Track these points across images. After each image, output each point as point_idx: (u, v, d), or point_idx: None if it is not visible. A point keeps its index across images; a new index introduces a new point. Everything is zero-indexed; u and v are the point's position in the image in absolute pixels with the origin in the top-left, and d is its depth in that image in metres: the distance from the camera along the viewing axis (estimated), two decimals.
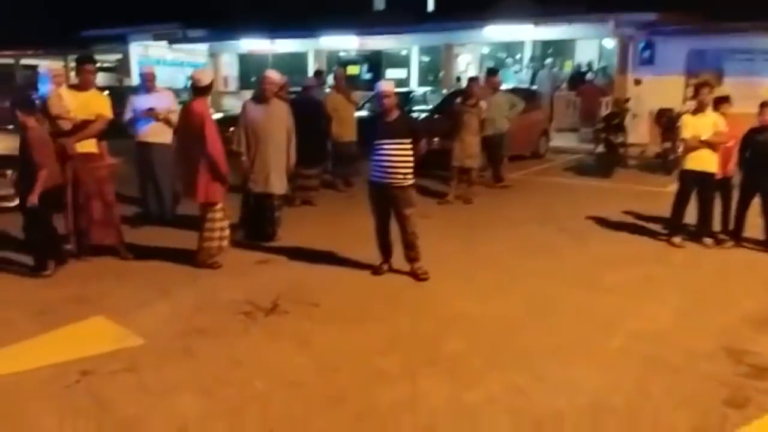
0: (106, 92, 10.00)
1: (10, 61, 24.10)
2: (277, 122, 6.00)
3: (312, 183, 8.18)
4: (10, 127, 7.94)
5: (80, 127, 5.49)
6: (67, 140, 5.41)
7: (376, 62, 19.07)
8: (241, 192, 6.13)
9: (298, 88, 8.93)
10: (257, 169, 5.98)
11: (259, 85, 6.21)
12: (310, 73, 15.16)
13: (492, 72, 9.98)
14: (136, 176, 6.89)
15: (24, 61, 23.96)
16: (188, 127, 5.32)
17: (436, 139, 8.71)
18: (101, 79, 25.58)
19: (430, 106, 12.85)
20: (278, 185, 6.10)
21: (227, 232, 5.52)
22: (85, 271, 5.34)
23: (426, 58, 19.09)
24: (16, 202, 7.56)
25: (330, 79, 12.20)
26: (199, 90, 5.35)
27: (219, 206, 5.38)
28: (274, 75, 6.07)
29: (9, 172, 7.57)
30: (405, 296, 4.84)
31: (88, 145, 5.56)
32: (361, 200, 5.61)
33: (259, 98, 6.06)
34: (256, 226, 6.22)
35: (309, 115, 7.39)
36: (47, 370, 3.52)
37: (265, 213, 6.19)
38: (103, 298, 4.70)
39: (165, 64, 23.03)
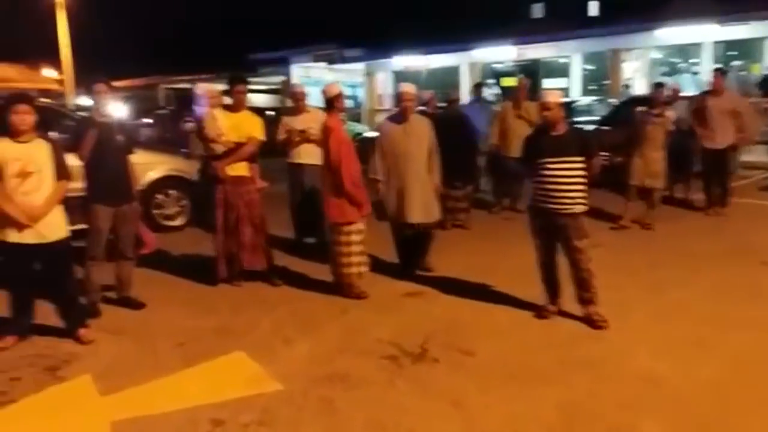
0: (273, 112, 10.30)
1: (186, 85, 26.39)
2: (418, 141, 5.41)
3: (462, 204, 7.58)
4: (184, 150, 8.37)
5: (232, 150, 5.39)
6: (219, 163, 5.33)
7: (533, 72, 18.08)
8: (381, 220, 5.60)
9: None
10: (401, 195, 5.41)
11: (396, 101, 5.63)
12: (464, 87, 14.66)
13: (721, 72, 8.27)
14: (288, 199, 6.73)
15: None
16: (324, 144, 5.07)
17: (606, 154, 7.72)
18: (266, 100, 27.22)
19: (597, 117, 11.71)
20: (427, 212, 5.46)
21: (365, 257, 5.12)
22: (234, 298, 5.19)
23: (589, 66, 17.75)
24: (181, 221, 8.01)
25: (486, 93, 11.58)
26: (328, 103, 5.12)
27: (355, 227, 5.00)
28: (410, 89, 5.48)
29: (172, 192, 7.89)
30: (578, 349, 4.04)
31: (239, 168, 5.44)
32: (521, 223, 4.90)
33: (398, 117, 5.52)
34: (408, 257, 5.71)
35: (454, 130, 6.82)
36: (180, 416, 3.25)
37: (417, 244, 5.61)
38: (247, 330, 4.46)
39: (324, 84, 23.74)
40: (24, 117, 3.95)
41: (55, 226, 4.11)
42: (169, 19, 34.40)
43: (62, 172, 4.13)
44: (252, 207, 5.44)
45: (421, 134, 5.43)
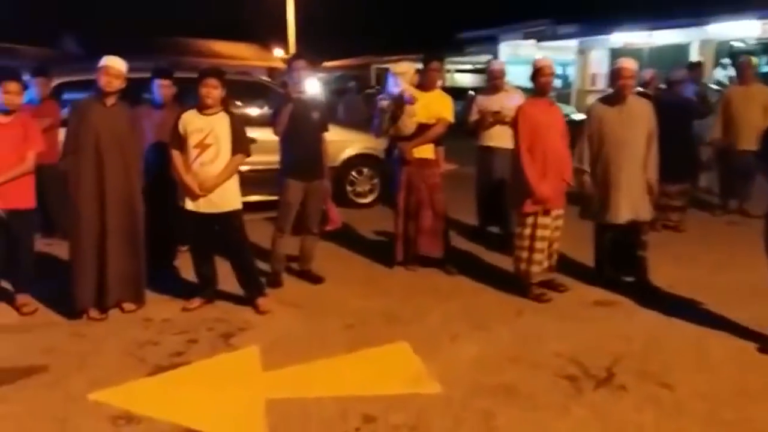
0: (471, 92, 10.02)
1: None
2: (636, 127, 4.61)
3: (677, 203, 6.56)
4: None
5: (420, 131, 5.18)
6: (405, 144, 5.15)
7: None
8: (584, 217, 4.96)
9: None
10: (609, 189, 4.67)
11: (612, 80, 4.80)
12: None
13: None
14: (475, 185, 6.37)
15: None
16: (514, 125, 4.67)
17: None
18: (471, 80, 26.92)
19: None
20: (636, 209, 4.67)
21: (552, 256, 4.65)
22: (407, 283, 5.02)
23: None
24: (371, 198, 8.12)
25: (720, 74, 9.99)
26: (531, 78, 4.66)
27: (542, 219, 4.53)
28: (631, 64, 4.64)
29: (365, 170, 7.97)
30: None
31: (424, 151, 5.22)
32: (750, 231, 4.00)
33: (613, 98, 4.74)
34: (607, 261, 4.98)
35: (675, 116, 5.85)
36: (332, 404, 3.12)
37: (625, 246, 4.82)
38: (414, 319, 4.25)
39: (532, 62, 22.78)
40: (210, 90, 4.08)
41: (228, 198, 4.23)
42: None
43: (239, 146, 4.22)
44: (434, 191, 5.19)
45: (639, 118, 4.64)
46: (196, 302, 4.39)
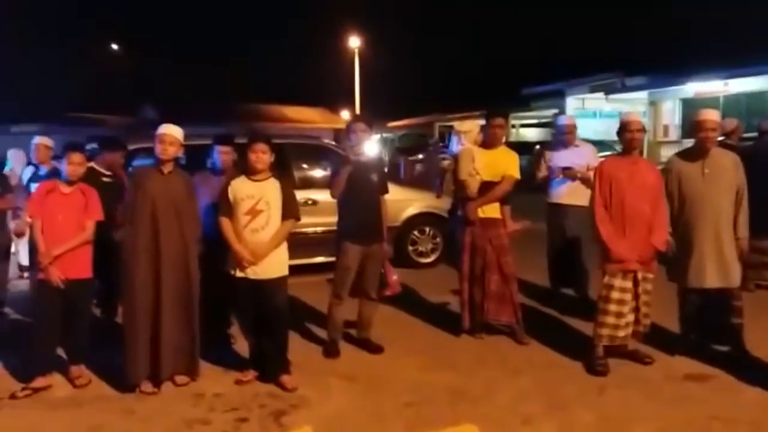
0: (538, 147, 9.74)
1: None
2: (720, 182, 4.22)
3: None
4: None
5: (484, 190, 4.91)
6: (470, 204, 4.88)
7: None
8: (672, 280, 4.50)
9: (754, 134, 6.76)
10: (692, 250, 4.25)
11: (693, 132, 4.38)
12: None
13: None
14: (546, 243, 5.99)
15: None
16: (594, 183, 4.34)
17: None
18: (537, 134, 26.59)
19: None
20: (726, 274, 4.21)
21: (630, 322, 4.20)
22: (474, 353, 4.65)
23: None
24: (433, 258, 7.84)
25: None
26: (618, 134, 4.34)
27: (619, 282, 4.14)
28: (713, 116, 4.28)
29: (427, 229, 7.74)
30: None
31: (490, 210, 4.94)
32: None
33: (694, 152, 4.35)
34: (694, 328, 4.49)
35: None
36: None
37: (715, 312, 4.34)
38: (482, 397, 3.87)
39: (601, 116, 22.39)
40: (260, 155, 4.00)
41: (274, 265, 4.06)
42: (446, 59, 36.09)
43: (289, 212, 4.10)
44: (501, 253, 4.87)
45: (724, 172, 4.25)
46: (249, 375, 4.18)
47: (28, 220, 4.21)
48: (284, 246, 4.12)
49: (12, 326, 5.11)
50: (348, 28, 29.75)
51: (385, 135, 33.07)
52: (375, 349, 4.73)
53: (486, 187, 4.88)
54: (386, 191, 4.76)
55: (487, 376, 4.18)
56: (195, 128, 6.12)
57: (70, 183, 4.12)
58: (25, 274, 6.68)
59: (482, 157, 4.92)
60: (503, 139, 5.23)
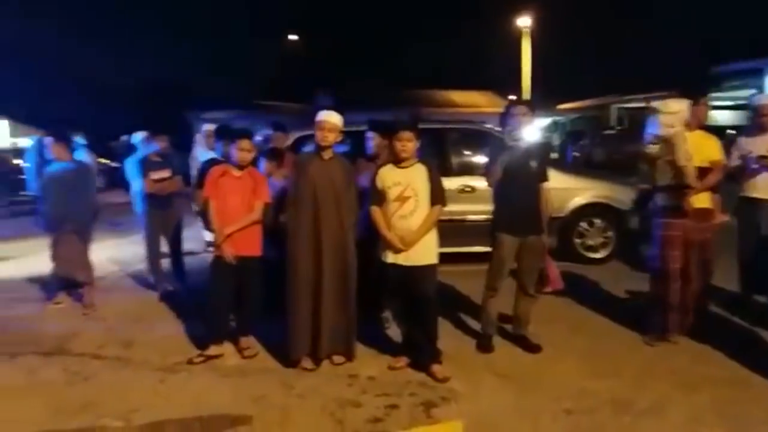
0: (733, 132, 8.68)
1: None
2: None
3: None
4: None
5: (699, 177, 4.44)
6: (688, 193, 4.38)
7: None
8: None
9: None
10: None
11: None
12: None
13: None
14: (737, 243, 5.26)
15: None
16: None
17: None
18: (729, 117, 23.77)
19: None
20: None
21: None
22: (642, 363, 4.22)
23: None
24: (604, 253, 7.29)
25: None
26: None
27: None
28: None
29: (597, 221, 7.21)
30: None
31: (702, 199, 4.51)
32: None
33: None
34: None
35: None
36: None
37: None
38: (650, 412, 3.50)
39: None
40: (405, 143, 3.96)
41: (423, 252, 4.01)
42: (625, 37, 33.52)
43: (436, 198, 4.03)
44: (705, 248, 4.43)
45: None
46: (401, 361, 4.19)
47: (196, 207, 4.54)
48: (434, 234, 4.07)
49: (195, 297, 5.59)
50: (517, 8, 28.78)
51: (556, 118, 31.61)
52: (532, 347, 4.49)
53: (700, 174, 4.44)
54: (546, 179, 4.47)
55: (657, 390, 3.77)
56: (368, 114, 6.20)
57: (239, 167, 4.39)
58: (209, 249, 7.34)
59: (689, 141, 4.41)
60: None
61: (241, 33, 41.80)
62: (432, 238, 4.07)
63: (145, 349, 4.66)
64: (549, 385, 3.89)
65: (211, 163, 4.99)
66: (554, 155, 22.57)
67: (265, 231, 4.51)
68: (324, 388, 3.90)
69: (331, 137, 4.09)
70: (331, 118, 4.11)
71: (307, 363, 4.20)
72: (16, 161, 14.67)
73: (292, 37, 35.78)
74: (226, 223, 4.31)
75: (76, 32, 30.73)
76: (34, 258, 7.47)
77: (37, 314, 5.63)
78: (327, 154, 4.16)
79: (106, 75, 31.43)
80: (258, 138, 6.23)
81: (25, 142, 15.00)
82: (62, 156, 5.61)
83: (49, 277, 5.87)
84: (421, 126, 4.19)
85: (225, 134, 5.05)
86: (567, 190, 6.98)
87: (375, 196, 4.10)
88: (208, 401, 3.72)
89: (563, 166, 12.17)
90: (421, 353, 4.11)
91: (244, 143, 4.35)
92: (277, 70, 33.59)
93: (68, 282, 5.86)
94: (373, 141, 4.85)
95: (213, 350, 4.42)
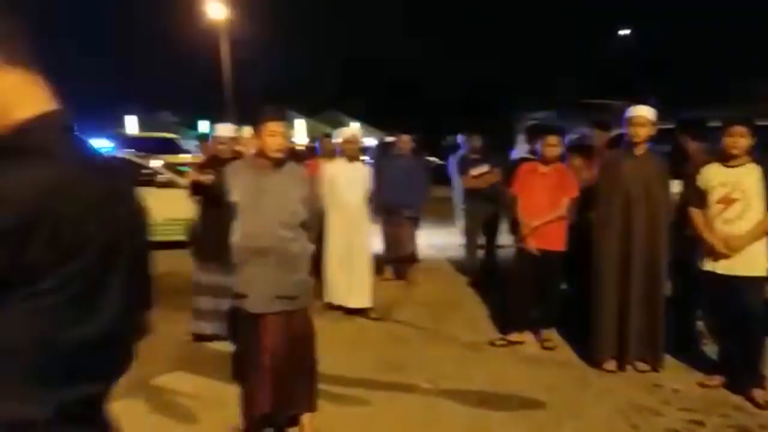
0: None
1: None
2: None
3: None
4: None
5: None
6: None
7: None
8: None
9: None
10: None
11: None
12: None
13: None
14: None
15: None
16: None
17: None
18: None
19: None
20: None
21: None
22: None
23: None
24: None
25: None
26: None
27: None
28: None
29: None
30: None
31: None
32: None
33: None
34: None
35: None
36: None
37: None
38: None
39: None
40: (737, 140, 3.51)
41: (749, 261, 3.52)
42: None
43: None
44: None
45: None
46: (715, 380, 3.79)
47: None
48: (763, 242, 3.56)
49: (501, 286, 5.85)
50: None
51: None
52: None
53: None
54: None
55: None
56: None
57: (547, 163, 4.48)
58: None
59: None
60: None
61: (567, 30, 41.23)
62: (761, 246, 3.57)
63: (453, 325, 5.12)
64: None
65: (521, 160, 5.19)
66: None
67: (570, 227, 4.53)
68: (623, 390, 3.78)
69: (643, 132, 3.90)
70: (641, 112, 3.92)
71: (609, 365, 4.10)
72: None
73: (623, 32, 33.87)
74: (533, 217, 4.45)
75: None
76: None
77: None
78: (639, 150, 3.98)
79: (433, 77, 34.42)
80: (574, 135, 6.22)
81: (369, 141, 17.35)
82: (408, 151, 6.48)
83: (382, 255, 6.78)
84: (760, 123, 3.70)
85: (535, 131, 5.20)
86: None
87: (695, 196, 3.78)
88: (504, 381, 3.94)
89: None
90: (741, 374, 3.67)
91: (552, 139, 4.43)
92: (605, 67, 32.24)
93: (396, 259, 6.69)
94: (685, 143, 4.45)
95: (514, 336, 4.62)
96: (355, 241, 5.36)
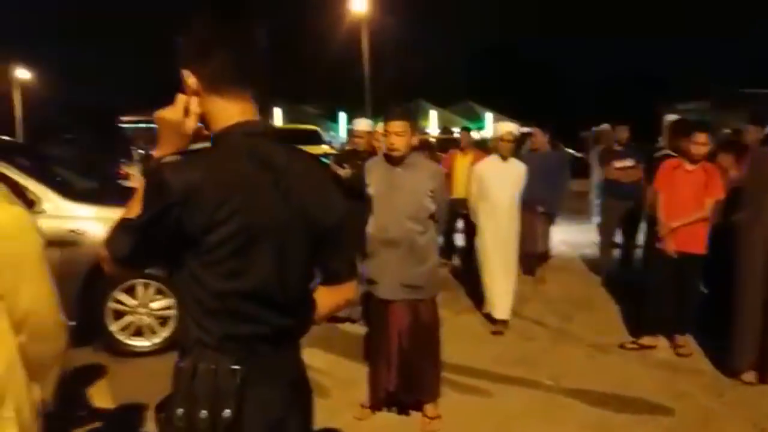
0: None
1: None
2: None
3: None
4: None
5: None
6: None
7: None
8: None
9: None
10: None
11: None
12: None
13: None
14: None
15: None
16: None
17: None
18: None
19: None
20: None
21: None
22: None
23: None
24: None
25: None
26: None
27: None
28: None
29: None
30: None
31: None
32: None
33: None
34: None
35: None
36: None
37: None
38: None
39: None
40: None
41: None
42: None
43: None
44: None
45: None
46: None
47: None
48: None
49: (638, 287, 5.62)
50: None
51: None
52: None
53: None
54: None
55: None
56: None
57: (694, 161, 4.27)
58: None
59: None
60: None
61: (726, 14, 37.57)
62: None
63: (582, 325, 5.03)
64: None
65: (666, 156, 4.95)
66: None
67: (714, 230, 4.29)
68: (758, 402, 3.60)
69: None
70: None
71: (748, 376, 3.87)
72: None
73: None
74: (674, 217, 4.26)
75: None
76: None
77: None
78: None
79: (572, 68, 32.99)
80: (726, 131, 5.84)
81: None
82: (542, 145, 6.34)
83: None
84: None
85: (681, 128, 4.94)
86: None
87: None
88: (631, 385, 3.85)
89: None
90: None
91: (700, 137, 4.20)
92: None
93: (527, 254, 6.62)
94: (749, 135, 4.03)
95: (646, 340, 4.47)
96: (507, 248, 4.89)
